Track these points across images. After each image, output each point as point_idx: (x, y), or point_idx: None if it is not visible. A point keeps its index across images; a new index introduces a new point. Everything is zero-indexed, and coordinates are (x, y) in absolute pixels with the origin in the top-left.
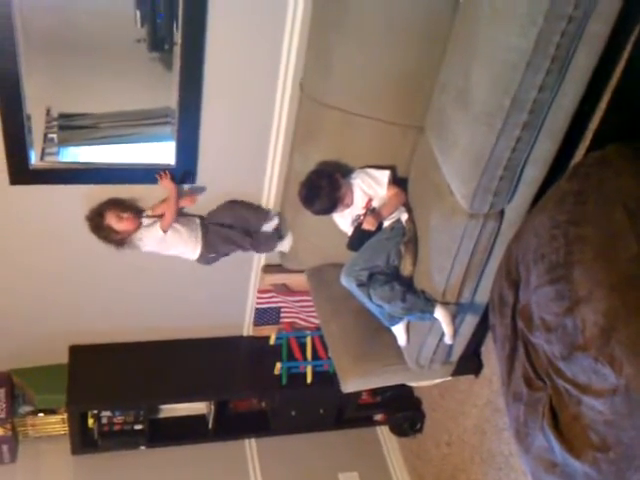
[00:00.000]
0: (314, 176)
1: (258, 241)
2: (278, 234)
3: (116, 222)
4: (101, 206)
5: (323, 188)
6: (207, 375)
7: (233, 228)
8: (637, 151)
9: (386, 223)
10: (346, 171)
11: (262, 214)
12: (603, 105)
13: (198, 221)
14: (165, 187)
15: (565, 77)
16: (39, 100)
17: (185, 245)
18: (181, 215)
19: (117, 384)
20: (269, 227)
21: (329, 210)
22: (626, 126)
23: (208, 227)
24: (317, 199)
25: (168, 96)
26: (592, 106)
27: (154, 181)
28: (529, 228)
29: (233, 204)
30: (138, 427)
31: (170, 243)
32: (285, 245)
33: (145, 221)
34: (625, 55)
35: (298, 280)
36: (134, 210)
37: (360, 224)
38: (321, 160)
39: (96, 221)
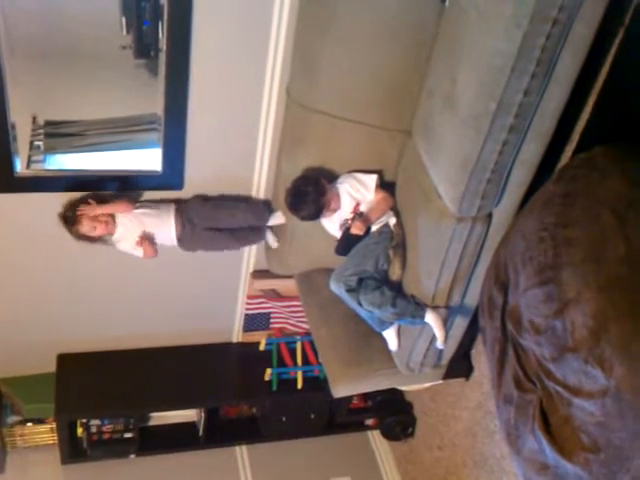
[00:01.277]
0: (299, 182)
1: (246, 239)
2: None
3: (92, 231)
4: (73, 217)
5: (309, 194)
6: (197, 382)
7: (224, 232)
8: (623, 152)
9: (374, 227)
10: (333, 176)
11: (264, 213)
12: (589, 107)
13: (172, 221)
14: None
15: (550, 80)
16: (24, 108)
17: (162, 238)
18: (152, 209)
19: (106, 392)
20: (276, 221)
21: (315, 216)
22: (612, 127)
23: (195, 227)
24: (303, 205)
25: (154, 103)
26: (578, 108)
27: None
28: (517, 231)
29: (235, 209)
30: (128, 435)
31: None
32: (277, 219)
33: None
34: (610, 57)
35: (287, 285)
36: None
37: (348, 229)
38: (309, 165)
39: (72, 231)
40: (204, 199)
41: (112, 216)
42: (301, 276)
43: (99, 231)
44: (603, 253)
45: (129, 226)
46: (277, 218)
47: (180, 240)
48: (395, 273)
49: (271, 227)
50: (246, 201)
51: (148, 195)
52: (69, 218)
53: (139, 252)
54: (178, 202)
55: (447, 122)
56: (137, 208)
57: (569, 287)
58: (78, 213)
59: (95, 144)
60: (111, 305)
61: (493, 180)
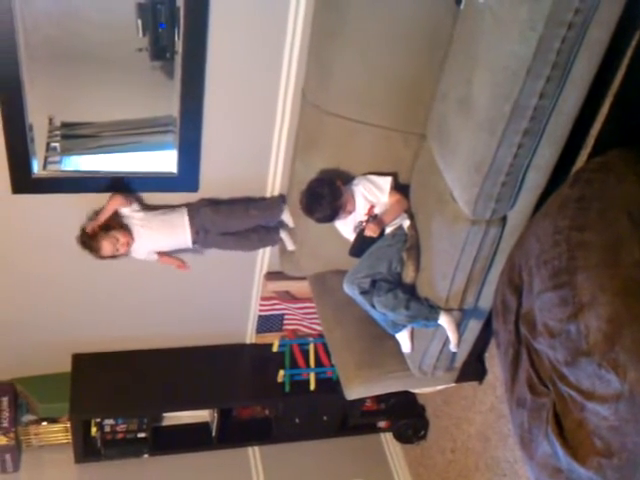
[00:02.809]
0: (315, 184)
1: (260, 242)
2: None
3: (115, 251)
4: (94, 245)
5: (324, 196)
6: (210, 383)
7: (238, 235)
8: (639, 156)
9: (388, 230)
10: (348, 178)
11: (278, 206)
12: (604, 110)
13: (188, 229)
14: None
15: (566, 83)
16: (41, 109)
17: (177, 244)
18: (165, 215)
19: (120, 392)
20: (287, 216)
21: (331, 218)
22: (628, 131)
23: (209, 233)
24: (318, 207)
25: (170, 104)
26: (593, 111)
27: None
28: (531, 234)
29: (245, 212)
30: (141, 435)
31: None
32: (286, 216)
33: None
34: (626, 60)
35: (301, 287)
36: (120, 227)
37: (362, 231)
38: (323, 167)
39: (96, 256)
40: (215, 207)
41: (129, 232)
42: (314, 278)
43: (122, 251)
44: (618, 257)
45: (144, 236)
46: (287, 214)
47: (195, 243)
48: (409, 275)
49: (287, 229)
50: (257, 208)
51: (158, 197)
52: (88, 244)
53: (153, 258)
54: (190, 208)
55: (462, 125)
56: (150, 219)
57: (584, 291)
58: (95, 241)
59: (111, 146)
60: (126, 306)
61: (508, 183)
